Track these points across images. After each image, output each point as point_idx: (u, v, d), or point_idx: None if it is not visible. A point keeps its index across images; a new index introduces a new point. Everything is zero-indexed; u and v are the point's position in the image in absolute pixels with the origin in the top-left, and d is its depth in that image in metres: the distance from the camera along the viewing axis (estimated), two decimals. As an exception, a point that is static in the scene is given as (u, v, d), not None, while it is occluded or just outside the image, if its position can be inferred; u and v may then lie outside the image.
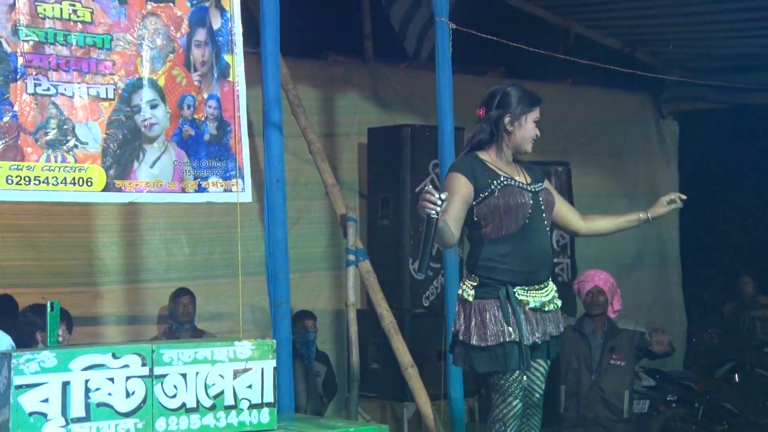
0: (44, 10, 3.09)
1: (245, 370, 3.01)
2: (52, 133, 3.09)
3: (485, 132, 3.48)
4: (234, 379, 2.98)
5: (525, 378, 3.44)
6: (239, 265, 3.66)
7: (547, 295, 3.48)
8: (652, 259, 7.92)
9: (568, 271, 6.77)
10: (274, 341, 3.13)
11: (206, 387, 2.93)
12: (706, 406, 6.11)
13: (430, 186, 3.19)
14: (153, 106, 3.30)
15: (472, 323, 3.38)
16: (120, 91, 3.23)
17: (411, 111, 6.42)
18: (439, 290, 5.78)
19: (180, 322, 5.39)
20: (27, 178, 3.04)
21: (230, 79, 3.49)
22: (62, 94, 3.11)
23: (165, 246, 5.69)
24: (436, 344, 5.29)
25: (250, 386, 3.01)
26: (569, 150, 7.13)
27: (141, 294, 5.62)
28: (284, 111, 3.95)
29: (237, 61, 3.50)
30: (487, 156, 3.48)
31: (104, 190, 3.20)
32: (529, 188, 3.46)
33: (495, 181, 3.39)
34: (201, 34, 3.41)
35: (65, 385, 2.72)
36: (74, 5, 3.14)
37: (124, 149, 3.24)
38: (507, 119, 3.44)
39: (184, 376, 2.90)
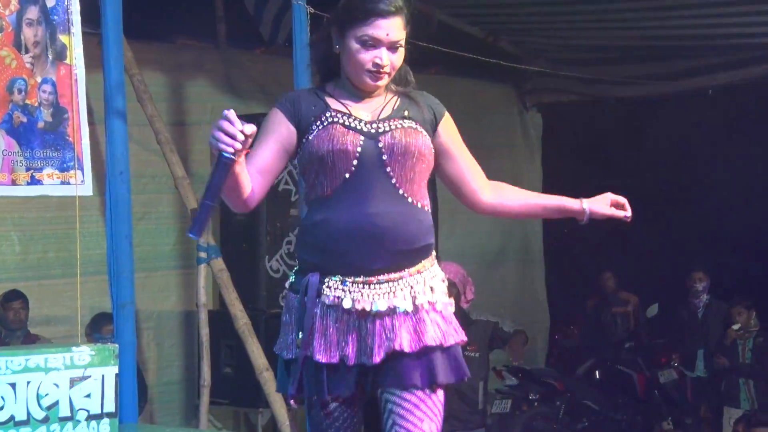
0: None
1: (83, 378, 2.92)
2: None
3: (317, 60, 2.69)
4: (71, 388, 2.89)
5: (346, 416, 2.54)
6: (78, 263, 3.55)
7: (391, 294, 2.49)
8: (515, 255, 8.14)
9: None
10: (116, 346, 3.05)
11: (38, 397, 2.83)
12: (567, 404, 6.33)
13: (232, 112, 2.32)
14: (-22, 90, 3.17)
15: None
16: (-60, 73, 3.08)
17: (267, 99, 6.37)
18: (296, 289, 5.77)
19: (10, 328, 5.21)
20: None
21: (67, 61, 3.38)
22: None
23: (-8, 244, 5.48)
24: (293, 346, 5.29)
25: (88, 395, 2.93)
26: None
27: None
28: (129, 98, 3.85)
29: (75, 43, 3.39)
30: (332, 86, 2.63)
31: None
32: (364, 128, 2.52)
33: (320, 119, 2.53)
34: (33, 12, 3.29)
35: None
36: None
37: (-55, 137, 3.09)
38: (334, 34, 2.57)
39: (13, 386, 2.79)
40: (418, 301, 2.50)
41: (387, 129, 2.52)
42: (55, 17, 3.35)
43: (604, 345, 7.68)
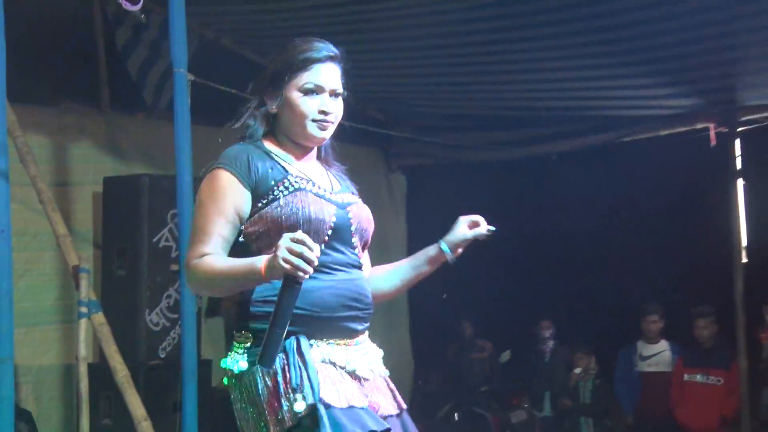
0: None
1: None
2: None
3: (253, 117, 2.43)
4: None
5: None
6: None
7: (369, 356, 2.43)
8: (382, 307, 8.14)
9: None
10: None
11: None
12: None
13: (306, 236, 2.08)
14: None
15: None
16: None
17: (149, 161, 6.28)
18: (176, 341, 5.64)
19: None
20: None
21: (-50, 123, 3.24)
22: None
23: None
24: (172, 396, 5.15)
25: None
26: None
27: None
28: (12, 159, 3.73)
29: (-42, 105, 3.26)
30: (272, 145, 2.40)
31: None
32: (333, 197, 2.37)
33: (283, 184, 2.29)
34: None
35: None
36: None
37: None
38: (268, 96, 2.41)
39: None
40: (381, 363, 2.47)
41: (351, 201, 2.43)
42: (-61, 80, 3.22)
43: (463, 389, 7.78)
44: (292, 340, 2.21)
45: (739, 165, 6.45)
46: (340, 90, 2.41)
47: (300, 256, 2.05)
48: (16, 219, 3.65)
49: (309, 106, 2.35)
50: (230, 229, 2.29)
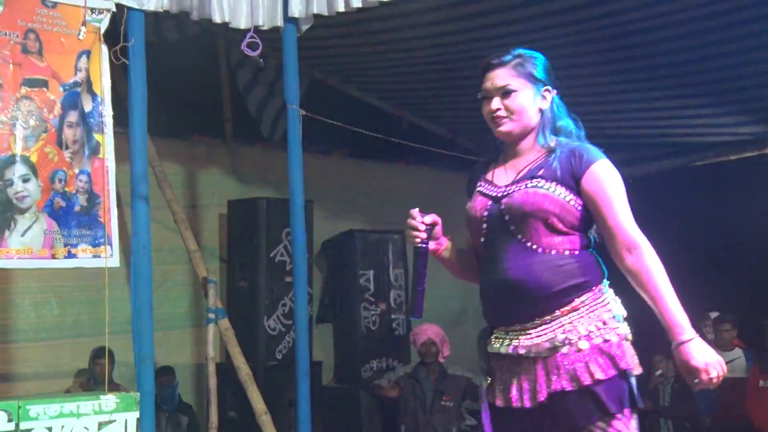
0: None
1: (110, 422, 2.87)
2: (-74, 204, 2.91)
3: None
4: (99, 430, 2.84)
5: None
6: (107, 324, 3.51)
7: (543, 336, 2.25)
8: (473, 315, 8.09)
9: (404, 325, 6.84)
10: (138, 394, 3.01)
11: (72, 439, 2.78)
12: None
13: (416, 210, 2.31)
14: (25, 180, 3.17)
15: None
16: (-6, 166, 3.08)
17: (266, 185, 6.40)
18: (291, 344, 5.72)
19: (97, 380, 5.12)
20: None
21: (100, 156, 3.39)
22: (-63, 168, 2.94)
23: (34, 308, 5.41)
24: (288, 393, 5.22)
25: (114, 437, 2.87)
26: (404, 220, 7.23)
27: (10, 353, 5.29)
28: (151, 185, 3.86)
29: (107, 140, 3.41)
30: (502, 154, 2.44)
31: (-24, 257, 3.02)
32: (492, 192, 2.36)
33: (475, 189, 2.42)
34: (73, 116, 3.32)
35: (-69, 443, 2.51)
36: (-49, 87, 2.99)
37: (-4, 219, 3.08)
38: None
39: (50, 429, 2.74)
40: (572, 339, 2.22)
41: (511, 191, 2.31)
42: (91, 119, 3.38)
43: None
44: (481, 332, 2.29)
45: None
46: (510, 86, 2.32)
47: (410, 227, 2.31)
48: (154, 237, 3.76)
49: (485, 111, 2.37)
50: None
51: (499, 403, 2.28)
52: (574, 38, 4.94)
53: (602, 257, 2.37)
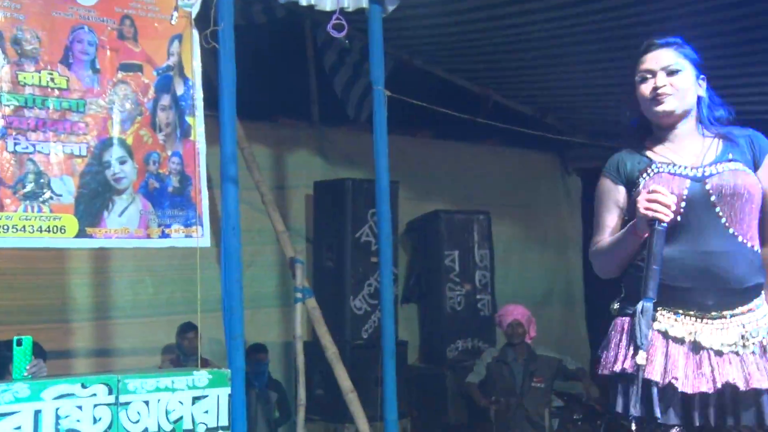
0: (24, 78, 3.04)
1: (203, 397, 2.95)
2: (30, 187, 3.03)
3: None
4: (192, 405, 2.92)
5: None
6: (198, 302, 3.59)
7: (724, 331, 2.22)
8: (559, 297, 8.00)
9: (489, 306, 6.80)
10: (229, 371, 3.08)
11: (167, 413, 2.87)
12: (606, 422, 6.15)
13: (656, 185, 2.21)
14: (122, 162, 3.26)
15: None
16: (92, 149, 3.18)
17: (352, 166, 6.44)
18: (376, 324, 5.76)
19: (186, 354, 5.27)
20: (5, 227, 2.97)
21: (192, 138, 3.46)
22: (40, 152, 3.06)
23: (131, 286, 5.59)
24: (373, 372, 5.25)
25: (206, 411, 2.95)
26: (489, 201, 7.20)
27: (109, 329, 5.50)
28: (240, 166, 3.91)
29: (198, 123, 3.48)
30: (649, 142, 2.41)
31: (76, 236, 3.13)
32: (689, 172, 2.29)
33: (646, 171, 2.34)
34: (166, 99, 3.39)
35: (37, 413, 2.63)
36: (52, 74, 3.09)
37: (95, 200, 3.18)
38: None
39: (146, 403, 2.83)
40: (748, 341, 2.21)
41: (714, 172, 2.27)
42: (183, 103, 3.45)
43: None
44: (641, 305, 2.19)
45: None
46: (676, 66, 2.34)
47: (656, 201, 2.15)
48: (243, 218, 3.81)
49: (644, 90, 2.35)
50: (616, 220, 2.40)
51: (656, 377, 2.21)
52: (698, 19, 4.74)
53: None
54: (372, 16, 4.02)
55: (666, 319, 2.25)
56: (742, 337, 2.21)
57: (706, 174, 2.28)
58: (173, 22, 3.39)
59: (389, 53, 4.84)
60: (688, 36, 2.45)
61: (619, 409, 2.25)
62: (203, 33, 3.49)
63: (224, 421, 2.98)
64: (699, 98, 2.38)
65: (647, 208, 2.16)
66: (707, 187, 2.26)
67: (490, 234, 6.87)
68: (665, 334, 2.24)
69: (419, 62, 6.40)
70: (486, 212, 6.87)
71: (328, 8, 3.90)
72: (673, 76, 2.33)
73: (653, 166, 2.33)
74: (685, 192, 2.25)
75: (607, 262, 2.38)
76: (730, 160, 2.29)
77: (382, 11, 4.02)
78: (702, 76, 2.39)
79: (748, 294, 2.24)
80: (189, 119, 3.46)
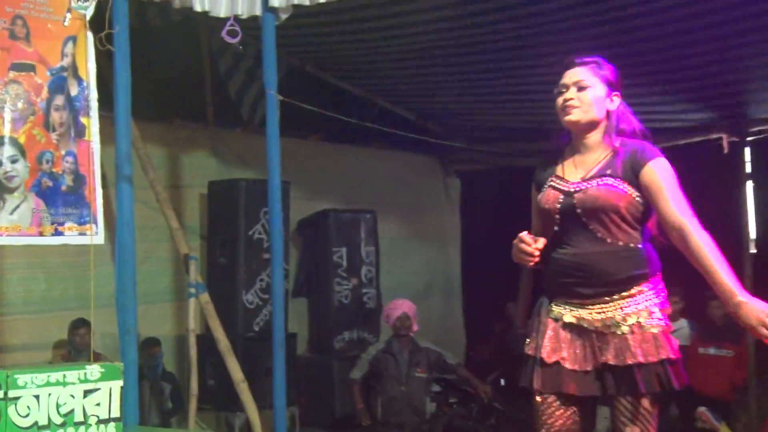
0: None
1: (95, 390, 2.85)
2: None
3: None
4: (84, 398, 2.82)
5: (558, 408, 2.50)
6: (92, 298, 3.48)
7: (603, 314, 2.47)
8: (438, 289, 8.15)
9: (375, 299, 6.86)
10: (122, 364, 2.98)
11: (58, 406, 2.76)
12: (479, 406, 6.32)
13: (527, 235, 2.48)
14: (13, 161, 3.11)
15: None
16: (-17, 147, 3.02)
17: (245, 167, 6.37)
18: (267, 317, 5.73)
19: (78, 350, 5.06)
20: None
21: (86, 138, 3.35)
22: (-73, 148, 2.88)
23: (23, 283, 5.35)
24: (264, 363, 5.23)
25: (98, 404, 2.85)
26: (376, 201, 7.27)
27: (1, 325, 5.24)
28: (135, 166, 3.81)
29: (92, 123, 3.37)
30: (569, 148, 2.61)
31: (-34, 233, 2.98)
32: (565, 188, 2.53)
33: (546, 183, 2.59)
34: (60, 100, 3.26)
35: (-77, 410, 2.48)
36: (-60, 70, 2.92)
37: (-15, 198, 3.03)
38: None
39: (37, 397, 2.71)
40: (626, 323, 2.45)
41: (583, 188, 2.50)
42: (77, 103, 3.33)
43: (508, 359, 7.70)
44: (541, 300, 2.59)
45: (748, 169, 6.39)
46: (586, 83, 2.52)
47: (521, 251, 2.46)
48: (138, 215, 3.72)
49: (558, 102, 2.54)
50: (539, 223, 2.66)
51: (549, 358, 2.51)
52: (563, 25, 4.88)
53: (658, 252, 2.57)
54: (265, 24, 3.98)
55: (557, 309, 2.56)
56: (622, 318, 2.45)
57: (575, 191, 2.52)
58: (66, 23, 3.26)
59: (282, 59, 4.81)
60: (568, 49, 2.59)
61: (524, 383, 2.57)
62: (98, 35, 3.37)
63: (116, 413, 2.89)
64: (608, 112, 2.54)
65: (515, 256, 2.50)
66: (574, 201, 2.51)
67: (376, 231, 6.93)
68: (556, 320, 2.55)
69: (311, 68, 6.39)
70: (372, 211, 6.93)
71: (222, 15, 3.84)
72: (581, 92, 2.52)
73: (549, 179, 2.58)
74: (558, 206, 2.53)
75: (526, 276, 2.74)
76: (604, 176, 2.49)
77: (275, 19, 3.99)
78: (616, 93, 2.56)
79: (624, 283, 2.48)
80: (83, 119, 3.34)
